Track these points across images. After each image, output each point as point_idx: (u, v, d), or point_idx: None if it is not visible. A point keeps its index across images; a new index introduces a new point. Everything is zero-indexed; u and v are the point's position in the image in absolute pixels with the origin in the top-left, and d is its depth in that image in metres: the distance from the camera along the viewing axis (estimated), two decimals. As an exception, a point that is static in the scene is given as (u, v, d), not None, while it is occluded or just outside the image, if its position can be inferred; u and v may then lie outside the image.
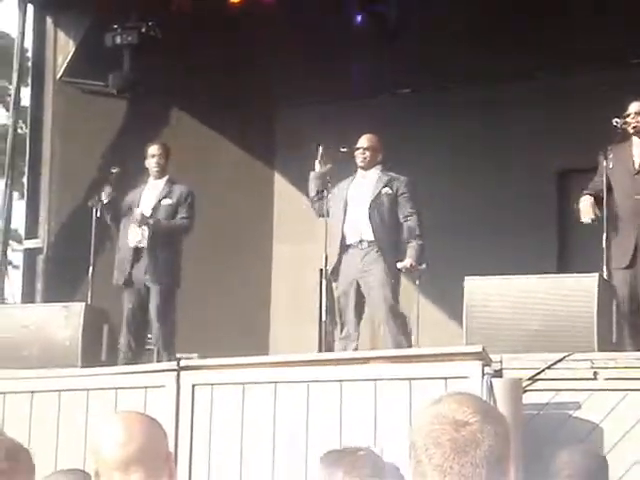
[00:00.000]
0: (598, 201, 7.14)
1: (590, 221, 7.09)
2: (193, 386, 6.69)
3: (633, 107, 7.15)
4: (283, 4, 10.00)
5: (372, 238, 7.75)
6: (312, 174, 8.12)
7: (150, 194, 8.42)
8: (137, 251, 8.23)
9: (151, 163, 8.42)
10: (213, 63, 10.42)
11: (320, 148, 7.96)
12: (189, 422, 6.64)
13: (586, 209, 7.12)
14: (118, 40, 10.03)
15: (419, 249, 7.75)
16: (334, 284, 8.12)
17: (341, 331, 7.81)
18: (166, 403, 6.62)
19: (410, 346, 7.60)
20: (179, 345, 8.42)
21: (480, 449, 1.95)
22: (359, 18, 9.92)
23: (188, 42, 10.06)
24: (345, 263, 7.81)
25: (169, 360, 7.53)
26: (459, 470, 1.93)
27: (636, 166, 7.09)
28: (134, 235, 8.24)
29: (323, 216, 8.02)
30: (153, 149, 8.45)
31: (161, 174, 8.44)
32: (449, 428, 1.96)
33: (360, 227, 7.82)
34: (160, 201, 8.34)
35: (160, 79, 10.22)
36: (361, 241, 7.79)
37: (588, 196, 7.14)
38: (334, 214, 7.93)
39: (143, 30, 10.00)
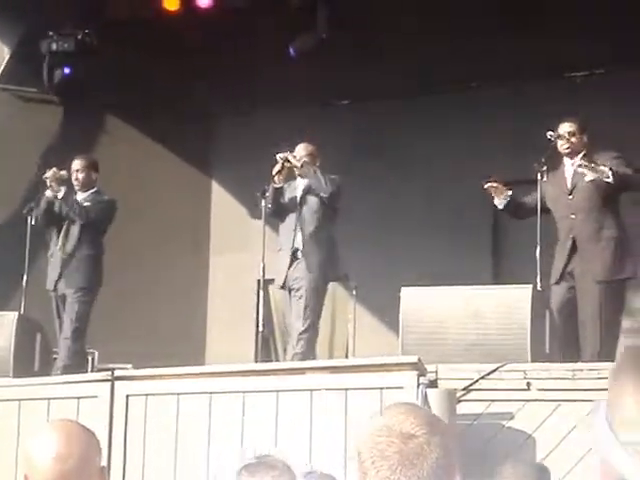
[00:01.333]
0: (526, 210, 7.30)
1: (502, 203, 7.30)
2: (127, 396, 6.64)
3: (564, 127, 7.22)
4: (219, 11, 9.99)
5: (303, 246, 7.77)
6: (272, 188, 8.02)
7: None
8: (64, 261, 8.19)
9: (73, 179, 8.33)
10: (149, 70, 10.37)
11: (280, 157, 7.91)
12: (123, 433, 6.59)
13: (499, 191, 7.27)
14: (54, 47, 9.94)
15: (322, 175, 7.74)
16: (271, 292, 8.13)
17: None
18: (99, 413, 6.56)
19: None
20: (114, 355, 8.35)
21: (427, 462, 1.93)
22: (292, 51, 9.95)
23: (124, 49, 10.00)
24: (290, 272, 7.82)
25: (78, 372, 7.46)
26: None
27: (569, 186, 7.19)
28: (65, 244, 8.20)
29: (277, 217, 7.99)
30: (74, 164, 8.35)
31: (86, 187, 8.34)
32: (396, 440, 1.94)
33: (295, 236, 7.84)
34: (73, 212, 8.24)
35: (96, 86, 10.15)
36: (295, 250, 7.82)
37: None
38: (284, 224, 7.94)
39: (79, 37, 9.93)
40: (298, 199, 7.87)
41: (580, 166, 6.98)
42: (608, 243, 7.05)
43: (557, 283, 7.05)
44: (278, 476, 3.50)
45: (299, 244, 7.81)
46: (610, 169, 6.84)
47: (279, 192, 7.86)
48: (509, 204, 7.38)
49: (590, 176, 6.98)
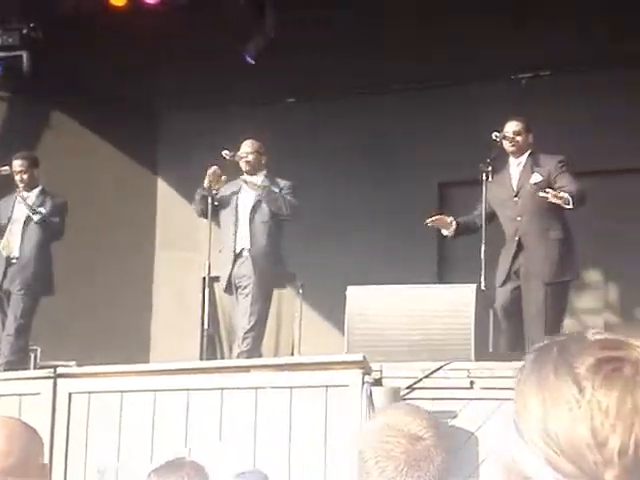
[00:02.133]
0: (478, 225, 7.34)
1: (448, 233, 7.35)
2: (70, 394, 6.59)
3: (510, 127, 7.27)
4: (166, 7, 9.94)
5: (252, 245, 7.76)
6: (199, 191, 8.01)
7: (22, 207, 8.22)
8: (8, 260, 8.10)
9: (16, 179, 8.23)
10: (96, 65, 10.29)
11: (213, 168, 7.89)
12: (65, 430, 6.53)
13: (443, 224, 7.31)
14: (-1, 41, 9.83)
15: (282, 199, 7.77)
16: (217, 290, 8.10)
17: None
18: (42, 411, 6.50)
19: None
20: (57, 352, 8.27)
21: (433, 464, 1.94)
22: (249, 58, 9.94)
23: (71, 44, 9.91)
24: (235, 270, 7.80)
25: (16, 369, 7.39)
26: None
27: (515, 188, 7.24)
28: (10, 247, 8.11)
29: (205, 217, 7.97)
30: (15, 164, 8.24)
31: (30, 186, 8.24)
32: (404, 441, 1.94)
33: (246, 235, 7.83)
34: (31, 216, 8.15)
35: (42, 81, 10.04)
36: (243, 249, 7.81)
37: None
38: (225, 223, 7.91)
39: (25, 32, 9.82)
40: (249, 206, 7.84)
41: (542, 193, 7.02)
42: (554, 245, 7.12)
43: (502, 285, 7.10)
44: (185, 476, 3.49)
45: (246, 243, 7.80)
46: (571, 196, 6.91)
47: (206, 198, 7.87)
48: (458, 231, 7.38)
49: (552, 199, 7.02)
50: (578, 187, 7.05)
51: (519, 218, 7.16)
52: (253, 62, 9.94)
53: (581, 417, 1.11)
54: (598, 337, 1.18)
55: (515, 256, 7.12)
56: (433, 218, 7.44)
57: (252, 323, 7.62)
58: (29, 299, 8.01)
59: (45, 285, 8.12)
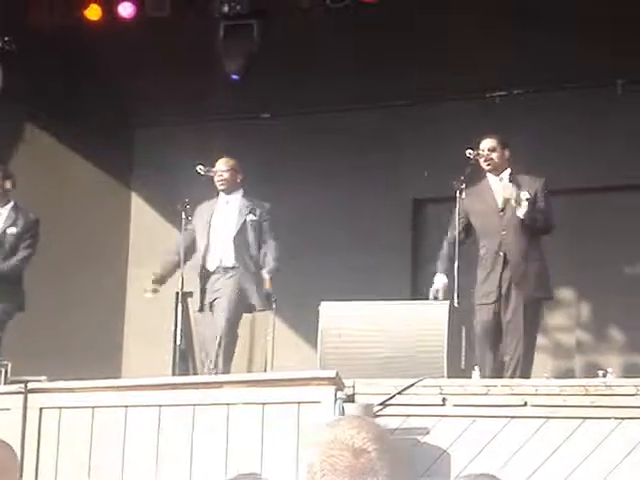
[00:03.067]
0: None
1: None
2: (40, 409, 6.55)
3: (485, 144, 7.33)
4: (142, 21, 9.93)
5: (231, 265, 7.76)
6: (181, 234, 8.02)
7: None
8: None
9: None
10: (71, 81, 10.27)
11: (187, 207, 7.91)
12: (35, 446, 6.49)
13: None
14: (-27, 53, 9.79)
15: (271, 269, 7.77)
16: (190, 305, 8.08)
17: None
18: (12, 426, 6.44)
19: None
20: (28, 367, 8.20)
21: (377, 477, 1.93)
22: (235, 77, 9.94)
23: (46, 57, 9.89)
24: (206, 288, 7.79)
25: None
26: None
27: (499, 204, 7.27)
28: None
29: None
30: None
31: (1, 200, 8.18)
32: (347, 455, 1.93)
33: (221, 254, 7.82)
34: (5, 230, 8.10)
35: (15, 95, 10.00)
36: (219, 267, 7.80)
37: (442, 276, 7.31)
38: (200, 237, 7.91)
39: (-1, 45, 9.80)
40: (232, 226, 7.84)
41: (510, 181, 7.10)
42: (532, 263, 7.19)
43: (493, 303, 7.12)
44: None
45: (227, 262, 7.79)
46: (527, 212, 6.97)
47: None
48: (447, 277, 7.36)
49: (507, 195, 7.11)
50: (549, 215, 7.14)
51: (504, 232, 7.20)
52: (237, 79, 9.93)
53: None
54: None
55: (502, 272, 7.16)
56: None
57: (226, 339, 7.62)
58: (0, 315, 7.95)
59: (17, 301, 8.05)
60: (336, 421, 2.01)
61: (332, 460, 1.93)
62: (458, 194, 7.26)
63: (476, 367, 6.86)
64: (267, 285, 7.72)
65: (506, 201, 7.15)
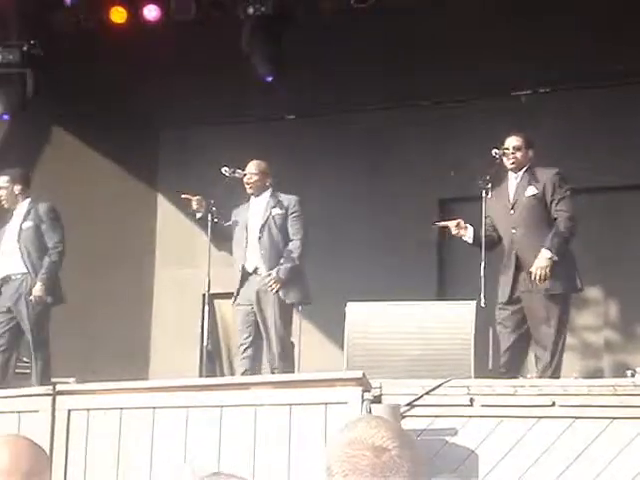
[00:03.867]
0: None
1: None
2: (69, 411, 6.57)
3: (510, 142, 7.30)
4: (167, 24, 9.96)
5: (264, 265, 7.77)
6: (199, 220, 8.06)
7: (13, 221, 8.24)
8: (6, 278, 8.10)
9: (3, 195, 8.23)
10: (97, 82, 10.31)
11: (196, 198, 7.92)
12: (64, 448, 6.51)
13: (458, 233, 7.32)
14: (-1, 58, 9.86)
15: (286, 270, 7.76)
16: (217, 306, 8.11)
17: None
18: (41, 428, 6.47)
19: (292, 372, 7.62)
20: (56, 369, 8.25)
21: (399, 474, 1.96)
22: (268, 78, 9.94)
23: (72, 61, 9.93)
24: (245, 289, 7.80)
25: (42, 383, 7.39)
26: None
27: (511, 201, 7.26)
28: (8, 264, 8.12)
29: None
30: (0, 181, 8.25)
31: (16, 202, 8.23)
32: (369, 454, 1.96)
33: (255, 255, 7.83)
34: (21, 226, 8.16)
35: (42, 98, 10.06)
36: (257, 269, 7.81)
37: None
38: (236, 240, 7.93)
39: (25, 49, 9.84)
40: (258, 225, 7.86)
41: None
42: None
43: (506, 303, 7.08)
44: None
45: (255, 263, 7.80)
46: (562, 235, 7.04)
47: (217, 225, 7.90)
48: (475, 240, 7.33)
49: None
50: (570, 216, 7.10)
51: (514, 230, 7.18)
52: (271, 80, 9.91)
53: None
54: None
55: (515, 273, 7.11)
56: (443, 223, 7.41)
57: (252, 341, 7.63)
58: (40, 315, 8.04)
59: (57, 294, 8.14)
60: (355, 421, 2.04)
61: (353, 460, 1.96)
62: (484, 194, 7.23)
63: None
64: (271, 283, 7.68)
65: (532, 194, 7.17)
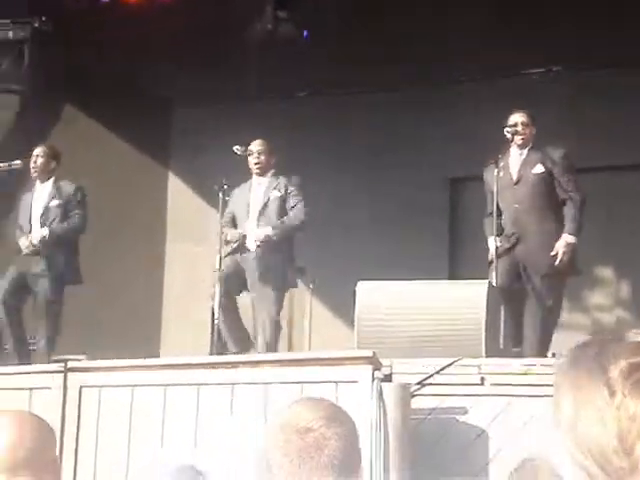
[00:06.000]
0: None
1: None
2: (80, 388, 6.59)
3: (517, 118, 7.28)
4: (182, 2, 9.93)
5: (261, 246, 7.75)
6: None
7: (40, 197, 8.30)
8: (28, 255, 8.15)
9: (31, 165, 8.29)
10: (108, 60, 10.29)
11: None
12: (75, 424, 6.54)
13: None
14: (10, 34, 9.84)
15: (286, 226, 7.74)
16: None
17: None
18: (52, 405, 6.50)
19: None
20: (68, 346, 8.28)
21: (324, 453, 2.00)
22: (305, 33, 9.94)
23: (84, 39, 9.92)
24: (244, 268, 7.80)
25: (48, 361, 7.44)
26: (307, 476, 1.99)
27: (515, 177, 7.24)
28: (24, 244, 8.15)
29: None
30: (35, 151, 8.31)
31: (45, 176, 8.29)
32: (294, 436, 2.01)
33: (254, 235, 7.83)
34: (49, 203, 8.22)
35: (53, 75, 10.05)
36: (257, 247, 7.81)
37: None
38: (239, 219, 7.92)
39: (36, 25, 9.83)
40: (258, 206, 7.84)
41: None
42: (549, 237, 7.13)
43: (504, 282, 7.09)
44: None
45: (257, 240, 7.80)
46: (574, 219, 7.11)
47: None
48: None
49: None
50: (582, 199, 7.09)
51: (517, 205, 7.19)
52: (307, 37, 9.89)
53: (609, 422, 1.11)
54: (638, 339, 1.17)
55: (513, 249, 7.12)
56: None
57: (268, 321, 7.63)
58: (55, 291, 8.10)
59: (73, 273, 8.20)
60: (287, 406, 2.09)
61: (281, 444, 2.02)
62: (496, 173, 7.23)
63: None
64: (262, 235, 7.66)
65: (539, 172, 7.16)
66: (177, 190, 11.72)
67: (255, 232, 7.73)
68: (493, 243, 7.13)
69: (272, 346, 7.54)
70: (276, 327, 7.64)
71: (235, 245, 7.79)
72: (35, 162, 8.24)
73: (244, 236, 7.80)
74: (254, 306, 7.72)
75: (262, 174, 7.96)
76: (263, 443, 2.05)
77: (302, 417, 2.03)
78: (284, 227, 7.75)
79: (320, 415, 2.03)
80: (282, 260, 7.74)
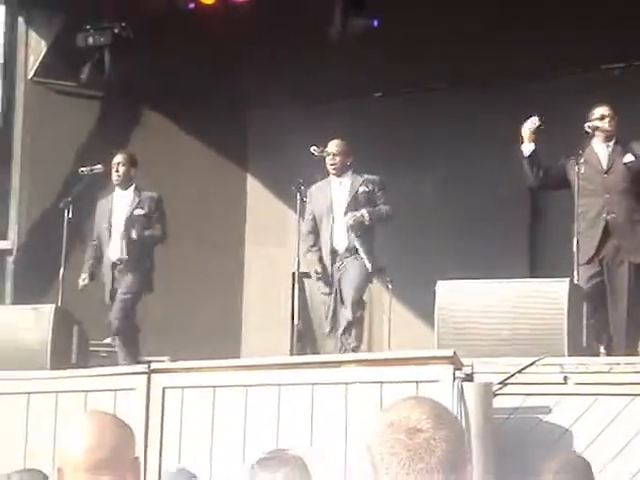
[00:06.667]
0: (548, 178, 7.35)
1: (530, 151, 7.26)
2: (164, 389, 6.66)
3: (603, 111, 7.27)
4: (256, 3, 9.98)
5: (350, 244, 7.79)
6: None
7: (121, 205, 8.41)
8: (115, 265, 8.26)
9: (113, 173, 8.40)
10: (186, 64, 10.39)
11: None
12: (159, 425, 6.61)
13: (527, 135, 7.28)
14: (90, 41, 9.99)
15: (380, 213, 7.82)
16: (307, 285, 8.15)
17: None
18: (136, 406, 6.59)
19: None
20: (151, 347, 8.39)
21: (434, 455, 1.97)
22: (375, 22, 9.93)
23: (161, 43, 10.03)
24: (333, 268, 7.84)
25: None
26: (415, 477, 1.96)
27: (604, 166, 7.20)
28: (115, 250, 8.29)
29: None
30: (116, 158, 8.43)
31: (126, 184, 8.41)
32: (403, 437, 1.98)
33: (343, 234, 7.86)
34: (133, 212, 8.33)
35: (132, 80, 10.18)
36: (347, 249, 7.83)
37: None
38: (320, 220, 7.95)
39: (116, 31, 9.97)
40: (343, 205, 7.87)
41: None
42: None
43: (588, 263, 7.03)
44: (290, 472, 3.53)
45: (341, 242, 7.82)
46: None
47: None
48: (533, 155, 7.29)
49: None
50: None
51: (607, 195, 7.14)
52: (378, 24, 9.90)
53: None
54: None
55: (603, 237, 7.06)
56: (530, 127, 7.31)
57: (355, 317, 7.66)
58: (131, 300, 8.25)
59: (147, 286, 8.34)
60: (393, 404, 2.06)
61: (389, 444, 1.99)
62: (577, 169, 7.17)
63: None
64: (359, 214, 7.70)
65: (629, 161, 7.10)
66: (255, 192, 11.78)
67: (350, 214, 7.79)
68: (576, 241, 7.08)
69: (354, 326, 7.57)
70: (359, 306, 7.69)
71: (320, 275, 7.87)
72: (117, 170, 8.35)
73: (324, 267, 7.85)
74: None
75: (339, 175, 7.98)
76: (367, 440, 2.02)
77: (410, 417, 2.00)
78: (378, 213, 7.83)
79: (428, 415, 2.01)
80: (365, 248, 7.79)
